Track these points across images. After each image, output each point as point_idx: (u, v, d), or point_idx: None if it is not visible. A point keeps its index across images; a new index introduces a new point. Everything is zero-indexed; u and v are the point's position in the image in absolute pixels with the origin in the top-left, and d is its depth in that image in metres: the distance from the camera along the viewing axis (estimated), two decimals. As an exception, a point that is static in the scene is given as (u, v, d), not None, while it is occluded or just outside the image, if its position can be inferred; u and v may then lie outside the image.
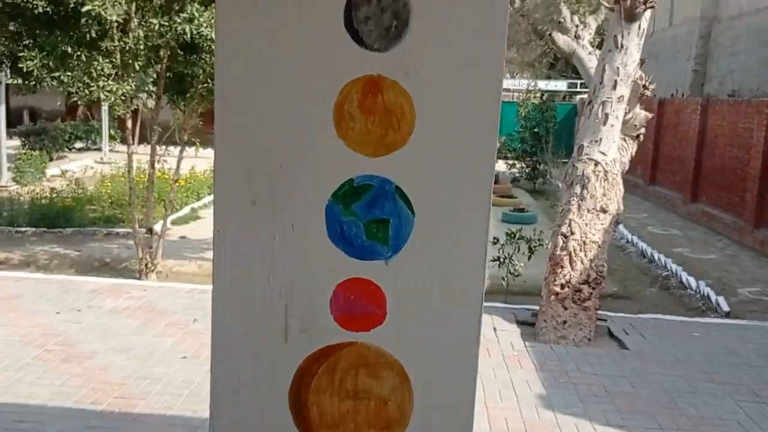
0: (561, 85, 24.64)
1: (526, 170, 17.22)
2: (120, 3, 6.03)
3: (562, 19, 7.72)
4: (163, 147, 8.64)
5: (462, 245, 1.39)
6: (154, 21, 6.40)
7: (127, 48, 6.49)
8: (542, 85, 22.15)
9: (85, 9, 5.79)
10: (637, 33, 6.13)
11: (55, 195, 11.67)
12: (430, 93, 1.35)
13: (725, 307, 7.62)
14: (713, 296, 7.95)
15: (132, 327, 5.85)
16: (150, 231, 8.09)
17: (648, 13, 6.14)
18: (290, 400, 1.45)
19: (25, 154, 14.91)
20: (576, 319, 5.93)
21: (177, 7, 6.44)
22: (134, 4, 6.41)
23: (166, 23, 6.38)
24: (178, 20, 6.31)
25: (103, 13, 5.87)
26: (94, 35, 6.04)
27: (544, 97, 18.13)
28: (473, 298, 1.42)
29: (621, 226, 11.49)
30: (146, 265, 7.91)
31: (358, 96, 1.35)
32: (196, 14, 6.39)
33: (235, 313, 1.45)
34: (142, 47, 6.57)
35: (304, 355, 1.45)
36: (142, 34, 6.44)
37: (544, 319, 6.02)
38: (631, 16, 6.05)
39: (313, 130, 1.37)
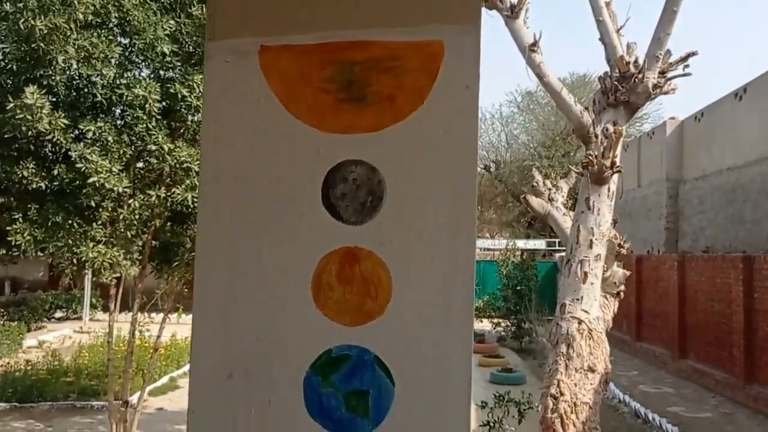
0: (540, 243, 25.22)
1: (512, 329, 17.11)
2: (121, 176, 6.24)
3: (535, 183, 8.08)
4: (145, 314, 8.56)
5: (443, 416, 1.36)
6: (151, 193, 6.59)
7: (121, 217, 6.61)
8: (521, 243, 22.66)
9: (90, 180, 5.96)
10: (608, 195, 6.41)
11: (29, 368, 11.31)
12: (406, 261, 1.39)
13: (727, 470, 7.28)
14: (713, 458, 7.63)
15: None
16: (126, 404, 7.77)
17: (616, 176, 6.46)
18: None
19: (2, 325, 14.62)
20: (573, 488, 5.62)
21: (177, 179, 6.67)
22: (134, 177, 6.63)
23: (163, 194, 6.58)
24: (178, 191, 6.52)
25: (107, 185, 6.04)
26: (92, 205, 6.19)
27: (524, 256, 18.47)
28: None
29: (612, 385, 11.24)
30: (120, 440, 7.51)
31: (336, 267, 1.38)
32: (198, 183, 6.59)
33: (210, 498, 1.38)
34: (136, 217, 6.70)
35: None
36: (137, 204, 6.61)
37: (539, 489, 5.70)
38: (600, 181, 6.36)
39: (291, 301, 1.39)
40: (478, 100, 1.45)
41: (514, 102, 29.77)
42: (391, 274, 1.41)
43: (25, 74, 6.24)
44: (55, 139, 6.02)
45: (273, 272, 1.40)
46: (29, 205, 6.33)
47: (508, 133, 30.17)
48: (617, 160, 6.39)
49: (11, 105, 5.73)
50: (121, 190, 6.19)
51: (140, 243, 7.29)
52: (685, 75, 6.56)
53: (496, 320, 17.90)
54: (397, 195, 1.41)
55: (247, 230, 1.41)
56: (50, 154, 6.50)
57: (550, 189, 8.01)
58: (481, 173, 31.74)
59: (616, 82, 6.57)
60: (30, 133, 5.93)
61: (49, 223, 6.13)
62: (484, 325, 19.05)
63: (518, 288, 16.88)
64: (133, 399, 8.18)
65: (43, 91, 5.89)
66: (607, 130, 6.43)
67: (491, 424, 7.24)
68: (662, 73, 6.51)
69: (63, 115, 6.03)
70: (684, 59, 6.61)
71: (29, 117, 5.72)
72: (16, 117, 5.72)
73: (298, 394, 1.39)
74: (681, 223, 16.03)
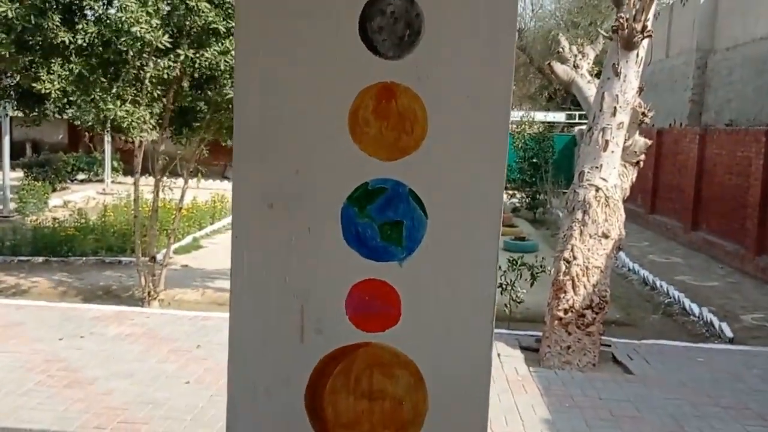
0: (559, 116, 24.88)
1: (526, 200, 17.30)
2: (158, 30, 6.14)
3: (560, 49, 7.85)
4: (167, 177, 8.72)
5: (474, 247, 1.42)
6: (180, 52, 6.50)
7: (149, 76, 6.57)
8: (540, 116, 22.36)
9: (133, 29, 5.88)
10: (636, 61, 6.24)
11: (57, 224, 11.71)
12: (442, 98, 1.40)
13: (729, 333, 7.60)
14: (716, 322, 7.94)
15: (135, 353, 5.84)
16: (153, 259, 8.11)
17: (646, 42, 6.25)
18: (306, 401, 1.46)
19: (27, 185, 14.98)
20: (580, 345, 5.92)
21: (213, 40, 6.55)
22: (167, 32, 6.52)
23: (192, 54, 6.48)
24: (207, 54, 6.42)
25: (148, 36, 5.96)
26: (123, 58, 6.13)
27: (540, 128, 18.28)
28: (485, 299, 1.44)
29: (623, 254, 11.49)
30: (149, 293, 7.92)
31: (373, 102, 1.40)
32: (230, 46, 6.49)
33: (252, 314, 1.48)
34: (164, 76, 6.66)
35: (320, 355, 1.47)
36: (165, 63, 6.54)
37: (547, 345, 6.01)
38: (630, 45, 6.16)
39: (328, 135, 1.42)
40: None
41: (542, -35, 28.22)
42: (427, 110, 1.42)
43: None
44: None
45: (310, 106, 1.42)
46: (53, 61, 6.28)
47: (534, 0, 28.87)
48: (649, 24, 6.17)
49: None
50: (160, 45, 6.10)
51: (161, 105, 7.29)
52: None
53: (511, 191, 18.06)
54: (435, 29, 1.39)
55: (283, 63, 1.41)
56: (75, 7, 6.34)
57: (575, 55, 7.79)
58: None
59: (654, -61, 6.19)
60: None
61: (75, 75, 6.09)
62: (499, 195, 19.22)
63: (534, 160, 16.86)
64: (159, 256, 8.51)
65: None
66: (640, -9, 6.15)
67: (503, 286, 7.52)
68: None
69: None
70: None
71: None
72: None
73: (335, 223, 1.45)
74: (707, 96, 15.66)
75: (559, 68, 7.68)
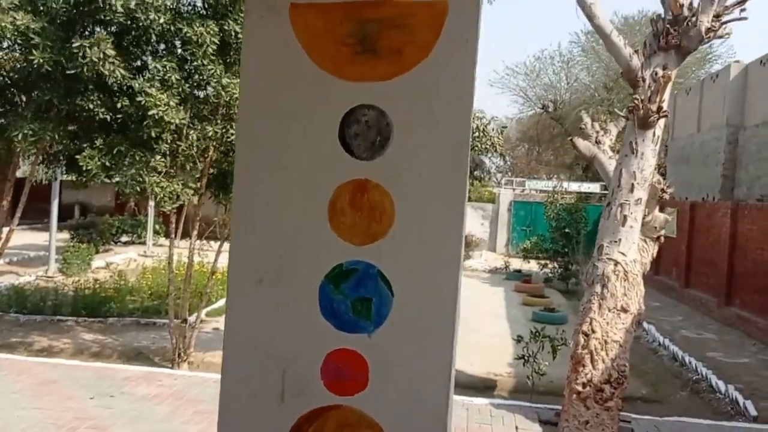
0: (594, 187, 24.92)
1: (559, 270, 17.24)
2: (178, 109, 6.63)
3: (583, 126, 8.10)
4: (203, 241, 9.10)
5: (433, 322, 1.62)
6: (209, 128, 6.97)
7: (180, 150, 7.04)
8: (575, 186, 22.44)
9: (150, 113, 6.38)
10: (652, 139, 6.43)
11: (98, 286, 12.15)
12: (407, 194, 1.63)
13: (753, 412, 7.44)
14: (741, 400, 7.79)
15: (161, 414, 6.04)
16: (184, 321, 8.39)
17: (662, 121, 6.46)
18: (285, 456, 1.65)
19: (73, 246, 15.59)
20: (598, 420, 5.91)
21: (233, 113, 7.03)
22: (190, 111, 7.01)
23: (219, 129, 6.94)
24: (231, 128, 6.88)
25: (165, 117, 6.46)
26: (153, 136, 6.62)
27: (572, 199, 18.37)
28: (443, 368, 1.63)
29: (653, 329, 11.37)
30: (179, 354, 8.16)
31: (348, 195, 1.63)
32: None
33: (241, 376, 1.69)
34: (194, 150, 7.12)
35: (297, 416, 1.66)
36: (195, 137, 7.01)
37: (566, 419, 6.01)
38: (646, 125, 6.38)
39: (310, 222, 1.66)
40: (476, 52, 1.66)
41: (577, 42, 28.88)
42: (394, 203, 1.67)
43: (89, 17, 6.60)
44: (117, 75, 6.40)
45: (296, 198, 1.68)
46: (95, 135, 6.80)
47: (569, 73, 29.40)
48: (664, 105, 6.38)
49: (77, 44, 6.11)
50: (178, 122, 6.57)
51: (198, 172, 7.73)
52: (741, 19, 6.43)
53: (543, 262, 18.03)
54: (402, 136, 1.65)
55: (277, 162, 1.68)
56: (115, 87, 6.91)
57: (597, 132, 8.02)
58: (538, 113, 31.15)
59: (668, 25, 6.49)
60: (93, 70, 6.32)
61: (115, 152, 6.58)
62: (531, 266, 19.22)
63: (566, 230, 16.90)
64: (191, 318, 8.79)
65: (104, 32, 6.26)
66: (655, 74, 6.41)
67: (525, 358, 7.55)
68: (717, 16, 6.39)
69: (120, 61, 6.38)
70: (742, 1, 6.45)
71: (94, 59, 6.10)
72: (82, 56, 6.11)
73: (314, 298, 1.68)
74: (738, 171, 15.63)
75: (581, 144, 7.90)
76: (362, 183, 1.68)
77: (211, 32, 6.47)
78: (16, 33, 6.49)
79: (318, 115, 1.67)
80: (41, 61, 6.34)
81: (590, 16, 6.62)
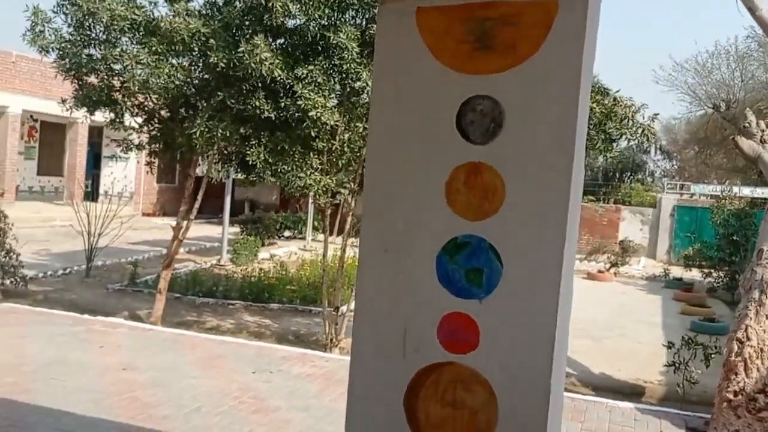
0: (768, 192, 22.86)
1: (724, 280, 16.08)
2: (333, 110, 7.16)
3: (746, 124, 7.62)
4: (356, 237, 9.62)
5: (538, 292, 1.80)
6: (360, 125, 7.44)
7: (334, 148, 7.57)
8: (747, 191, 20.77)
9: (310, 114, 6.96)
10: (824, 137, 5.97)
11: (262, 274, 13.22)
12: (517, 176, 1.81)
13: None
14: None
15: (313, 391, 6.52)
16: (336, 309, 8.94)
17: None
18: (405, 403, 1.89)
19: (242, 239, 17.02)
20: (750, 430, 5.59)
21: None
22: (346, 113, 7.52)
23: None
24: None
25: (322, 118, 7.01)
26: (312, 135, 7.19)
27: (742, 204, 17.00)
28: (546, 336, 1.78)
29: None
30: (331, 339, 8.72)
31: (464, 176, 1.84)
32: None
33: (369, 333, 1.95)
34: (346, 148, 7.63)
35: (417, 369, 1.90)
36: (347, 137, 7.51)
37: (714, 427, 5.74)
38: (816, 121, 5.93)
39: (429, 199, 1.88)
40: (588, 47, 1.80)
41: (753, 36, 26.59)
42: (505, 184, 1.85)
43: (256, 24, 7.29)
44: (278, 78, 7.02)
45: (418, 178, 1.92)
46: (262, 133, 7.49)
47: (744, 69, 27.13)
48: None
49: (241, 48, 6.78)
50: (332, 123, 7.06)
51: (353, 173, 8.23)
52: None
53: (707, 270, 16.88)
54: (513, 123, 1.83)
55: (402, 146, 1.92)
56: (279, 89, 7.56)
57: (763, 131, 7.51)
58: (708, 113, 29.03)
59: None
60: (256, 73, 6.97)
61: (278, 148, 7.21)
62: (693, 274, 18.07)
63: (734, 237, 15.71)
64: (343, 307, 9.34)
65: (267, 39, 6.88)
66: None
67: (676, 365, 7.25)
68: None
69: (280, 61, 6.98)
70: None
71: (253, 64, 6.75)
72: (245, 61, 6.78)
73: (432, 267, 1.91)
74: None
75: (745, 143, 7.45)
76: (476, 165, 1.89)
77: (353, 37, 6.89)
78: (194, 37, 7.31)
79: (438, 105, 1.90)
80: (217, 60, 7.09)
81: (752, 9, 6.24)
